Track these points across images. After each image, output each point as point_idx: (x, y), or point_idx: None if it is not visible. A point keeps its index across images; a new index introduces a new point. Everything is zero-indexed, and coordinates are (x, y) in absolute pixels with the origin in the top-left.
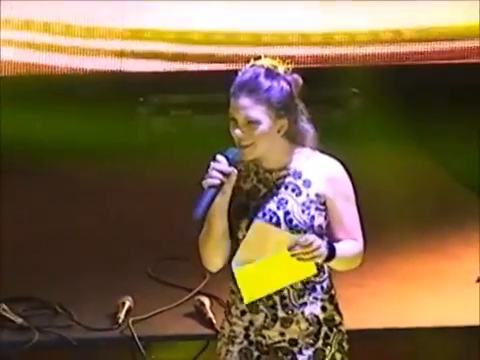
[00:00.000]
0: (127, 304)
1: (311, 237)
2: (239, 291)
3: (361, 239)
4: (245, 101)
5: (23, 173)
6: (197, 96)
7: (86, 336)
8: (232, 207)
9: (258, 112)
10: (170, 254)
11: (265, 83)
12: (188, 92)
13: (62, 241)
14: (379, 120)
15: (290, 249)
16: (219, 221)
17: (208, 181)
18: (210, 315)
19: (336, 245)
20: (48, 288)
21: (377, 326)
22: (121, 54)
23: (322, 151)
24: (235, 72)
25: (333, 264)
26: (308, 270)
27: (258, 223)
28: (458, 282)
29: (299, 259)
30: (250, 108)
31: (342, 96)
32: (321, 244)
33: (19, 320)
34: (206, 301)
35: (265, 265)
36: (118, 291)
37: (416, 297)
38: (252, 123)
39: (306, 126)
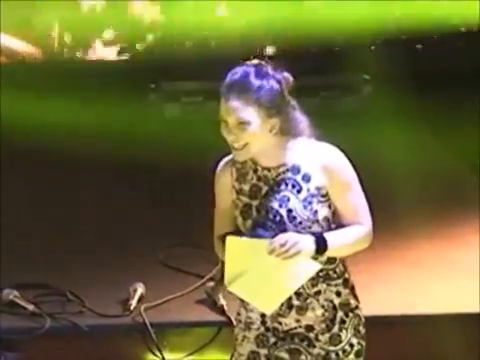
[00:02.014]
0: (139, 291)
1: (285, 235)
2: None
3: (367, 221)
4: (235, 103)
5: (34, 159)
6: (208, 83)
7: (98, 323)
8: (237, 208)
9: (248, 113)
10: (182, 241)
11: (255, 83)
12: (199, 79)
13: (74, 228)
14: (390, 106)
15: (270, 253)
16: None
17: None
18: (222, 302)
19: (328, 235)
20: (60, 275)
21: (386, 313)
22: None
23: (318, 138)
24: (247, 58)
25: (334, 253)
26: (310, 266)
27: (229, 238)
28: (469, 269)
29: (284, 258)
30: (240, 109)
31: (353, 82)
32: (299, 237)
33: (31, 307)
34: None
35: (258, 272)
36: (130, 278)
37: (426, 284)
38: (243, 124)
39: (300, 117)
